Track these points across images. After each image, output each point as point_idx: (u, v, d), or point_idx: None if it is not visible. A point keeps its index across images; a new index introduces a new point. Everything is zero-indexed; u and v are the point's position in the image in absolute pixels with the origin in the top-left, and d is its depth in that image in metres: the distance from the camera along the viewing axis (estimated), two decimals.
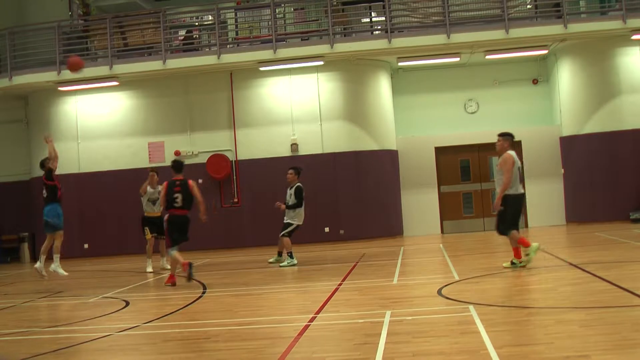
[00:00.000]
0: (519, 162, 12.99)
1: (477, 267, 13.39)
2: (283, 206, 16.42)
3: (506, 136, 13.20)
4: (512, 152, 12.93)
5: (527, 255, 12.77)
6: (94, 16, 24.40)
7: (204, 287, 13.06)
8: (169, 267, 16.15)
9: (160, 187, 15.58)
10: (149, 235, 16.63)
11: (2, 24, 23.11)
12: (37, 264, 14.73)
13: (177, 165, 14.21)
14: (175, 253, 13.59)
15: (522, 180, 13.14)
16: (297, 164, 19.79)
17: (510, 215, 12.77)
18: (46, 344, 8.74)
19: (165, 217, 14.14)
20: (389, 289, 11.59)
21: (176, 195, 13.75)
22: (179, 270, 13.70)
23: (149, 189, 16.79)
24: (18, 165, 24.30)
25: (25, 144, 24.22)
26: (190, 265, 13.21)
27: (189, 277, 13.27)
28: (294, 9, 22.86)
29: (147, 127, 22.92)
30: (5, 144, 24.96)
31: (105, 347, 8.47)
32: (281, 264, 16.27)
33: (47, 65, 22.11)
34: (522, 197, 13.04)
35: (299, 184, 16.51)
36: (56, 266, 14.64)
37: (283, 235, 16.31)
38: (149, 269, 16.65)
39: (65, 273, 14.72)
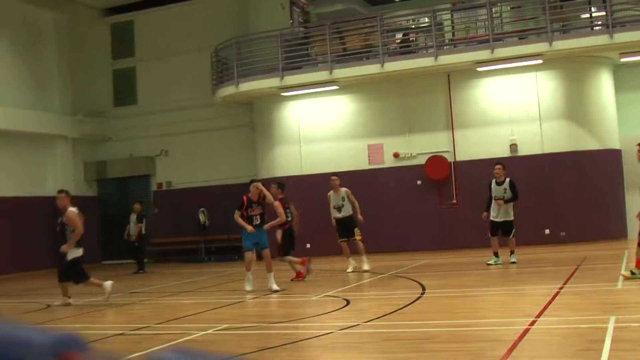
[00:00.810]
0: None
1: None
2: (500, 203, 16.47)
3: None
4: None
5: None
6: (313, 23, 25.27)
7: (423, 288, 13.20)
8: (366, 267, 16.64)
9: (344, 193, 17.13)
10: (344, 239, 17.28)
11: (229, 35, 24.42)
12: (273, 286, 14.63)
13: (283, 185, 16.51)
14: (290, 257, 15.97)
15: None
16: (515, 165, 19.58)
17: None
18: (272, 339, 9.20)
19: (281, 231, 15.95)
20: (612, 293, 11.22)
21: (288, 211, 15.93)
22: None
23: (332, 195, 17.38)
24: (244, 168, 25.56)
25: (251, 147, 25.44)
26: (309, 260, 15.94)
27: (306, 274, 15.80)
28: (511, 8, 22.55)
29: (366, 130, 23.34)
30: (233, 148, 26.46)
31: (327, 344, 8.79)
32: (492, 263, 16.43)
33: (270, 72, 23.13)
34: None
35: (509, 178, 16.45)
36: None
37: (513, 235, 16.47)
38: (349, 269, 17.05)
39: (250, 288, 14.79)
